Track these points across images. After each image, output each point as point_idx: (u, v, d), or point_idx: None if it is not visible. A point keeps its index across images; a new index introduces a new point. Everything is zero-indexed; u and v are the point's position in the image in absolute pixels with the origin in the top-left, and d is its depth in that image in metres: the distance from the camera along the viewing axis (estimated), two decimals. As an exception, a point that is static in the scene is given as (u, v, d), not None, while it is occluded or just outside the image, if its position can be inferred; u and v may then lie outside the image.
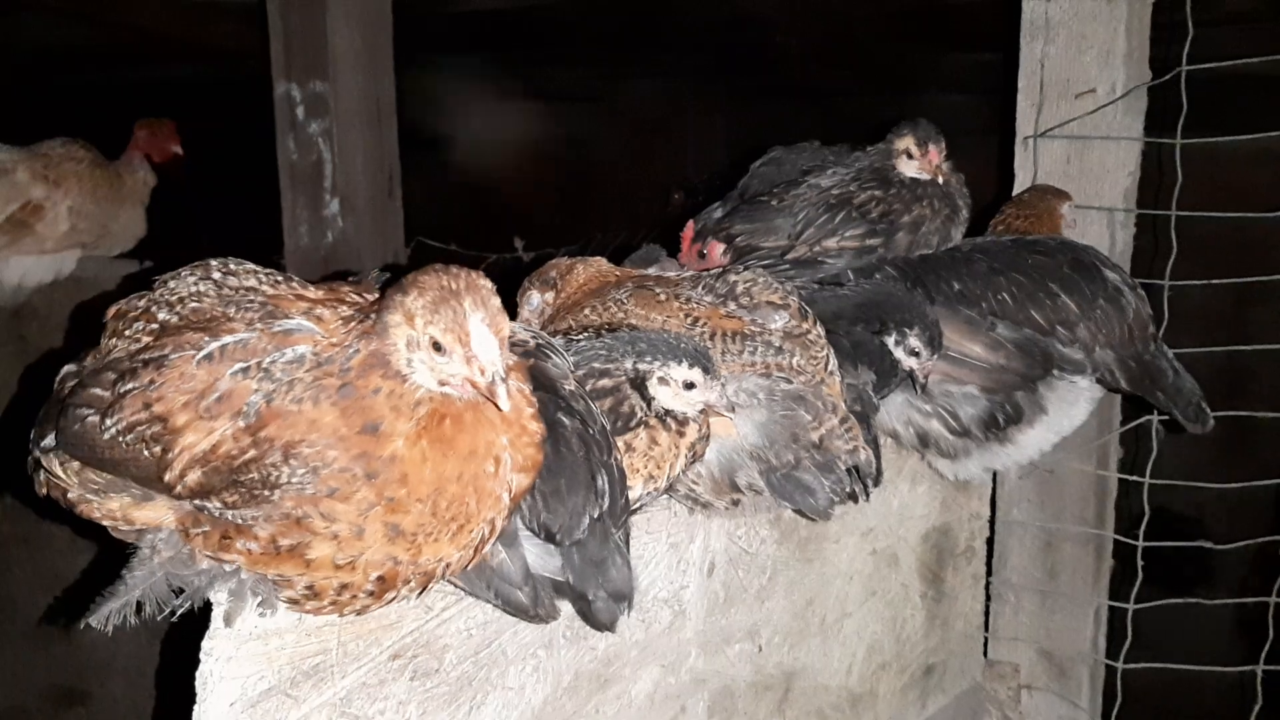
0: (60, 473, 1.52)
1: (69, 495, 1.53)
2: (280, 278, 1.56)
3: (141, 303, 1.56)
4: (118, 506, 1.48)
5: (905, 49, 6.15)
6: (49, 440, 1.52)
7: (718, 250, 2.59)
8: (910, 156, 2.52)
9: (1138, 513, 3.13)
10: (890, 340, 2.19)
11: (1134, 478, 3.17)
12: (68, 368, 1.59)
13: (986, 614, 3.27)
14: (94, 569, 3.81)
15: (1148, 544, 3.12)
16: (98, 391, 1.41)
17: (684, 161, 8.07)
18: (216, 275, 1.55)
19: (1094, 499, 3.25)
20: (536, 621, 1.62)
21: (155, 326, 1.49)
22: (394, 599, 1.45)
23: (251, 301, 1.46)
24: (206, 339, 1.37)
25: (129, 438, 1.36)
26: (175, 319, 1.48)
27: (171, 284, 1.56)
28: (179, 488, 1.35)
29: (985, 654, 3.33)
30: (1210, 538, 3.27)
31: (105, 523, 1.52)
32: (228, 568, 1.41)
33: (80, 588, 3.93)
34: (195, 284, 1.54)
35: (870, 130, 2.70)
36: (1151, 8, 3.12)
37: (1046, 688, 3.38)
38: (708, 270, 2.23)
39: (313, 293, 1.50)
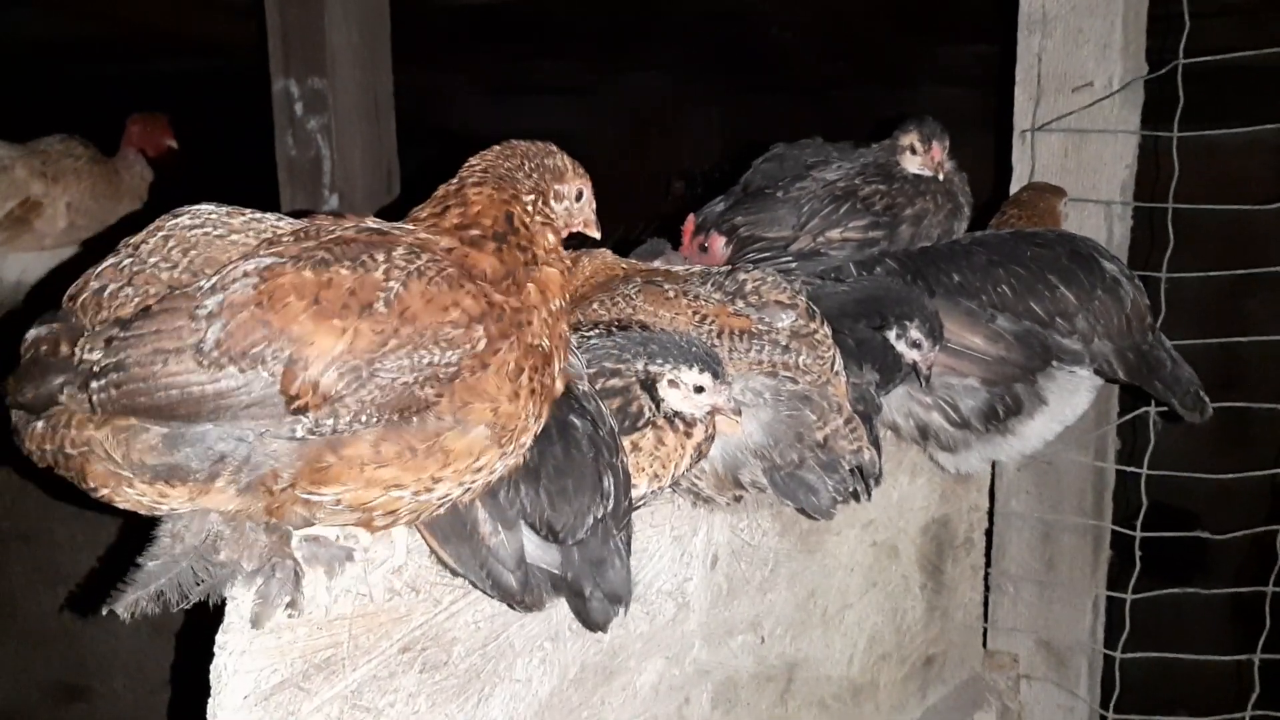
0: (103, 440, 1.35)
1: (94, 469, 1.37)
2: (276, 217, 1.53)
3: (127, 261, 1.44)
4: (175, 495, 1.37)
5: (902, 42, 6.15)
6: (56, 384, 1.38)
7: (719, 243, 2.60)
8: (914, 153, 2.54)
9: (1135, 503, 3.15)
10: (892, 334, 2.20)
11: (1131, 469, 3.19)
12: (37, 330, 1.46)
13: (986, 605, 3.29)
14: (95, 566, 3.82)
15: (1145, 534, 3.14)
16: (177, 324, 1.32)
17: (681, 155, 8.08)
18: (223, 212, 1.50)
19: (1092, 490, 3.27)
20: (522, 609, 1.62)
21: (183, 256, 1.43)
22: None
23: (300, 223, 1.47)
24: (302, 246, 1.37)
25: (243, 363, 1.30)
26: (221, 236, 1.45)
27: (177, 221, 1.48)
28: (309, 397, 1.30)
29: (984, 644, 3.36)
30: (1207, 528, 3.29)
31: (133, 506, 1.40)
32: (316, 516, 1.39)
33: (83, 586, 3.93)
34: (209, 215, 1.49)
35: (868, 123, 2.71)
36: (1148, 1, 3.14)
37: (1045, 677, 3.40)
38: (713, 265, 2.24)
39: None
